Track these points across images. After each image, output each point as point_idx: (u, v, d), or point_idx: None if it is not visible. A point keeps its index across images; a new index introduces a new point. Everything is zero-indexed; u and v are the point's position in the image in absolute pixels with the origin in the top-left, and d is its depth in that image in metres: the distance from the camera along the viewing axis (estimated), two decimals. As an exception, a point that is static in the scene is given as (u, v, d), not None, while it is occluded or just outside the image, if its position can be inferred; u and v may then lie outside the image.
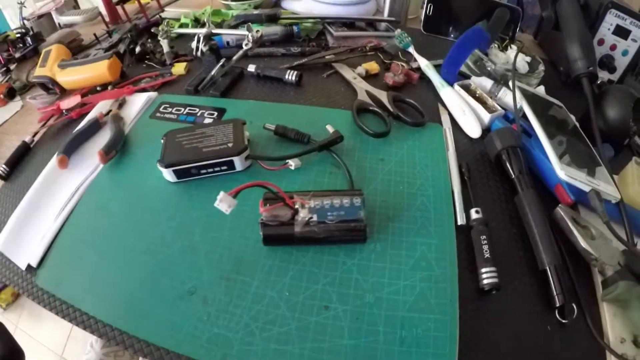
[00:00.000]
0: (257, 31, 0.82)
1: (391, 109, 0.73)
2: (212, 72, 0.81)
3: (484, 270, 0.52)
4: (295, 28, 0.98)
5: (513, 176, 0.62)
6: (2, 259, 0.60)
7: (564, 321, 0.49)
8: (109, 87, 0.87)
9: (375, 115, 0.74)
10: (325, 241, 0.53)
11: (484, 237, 0.54)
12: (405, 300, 0.49)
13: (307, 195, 0.53)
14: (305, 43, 0.98)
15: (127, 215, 0.60)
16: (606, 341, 0.49)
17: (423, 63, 0.86)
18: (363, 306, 0.49)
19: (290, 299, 0.50)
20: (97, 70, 0.85)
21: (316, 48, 0.95)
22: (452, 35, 1.03)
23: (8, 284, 0.58)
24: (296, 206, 0.52)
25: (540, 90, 0.79)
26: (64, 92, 0.89)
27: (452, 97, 0.76)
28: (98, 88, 0.88)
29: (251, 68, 0.86)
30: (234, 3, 1.13)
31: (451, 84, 0.79)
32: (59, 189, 0.65)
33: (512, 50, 0.86)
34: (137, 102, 0.80)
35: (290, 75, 0.83)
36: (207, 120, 0.74)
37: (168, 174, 0.62)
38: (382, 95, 0.76)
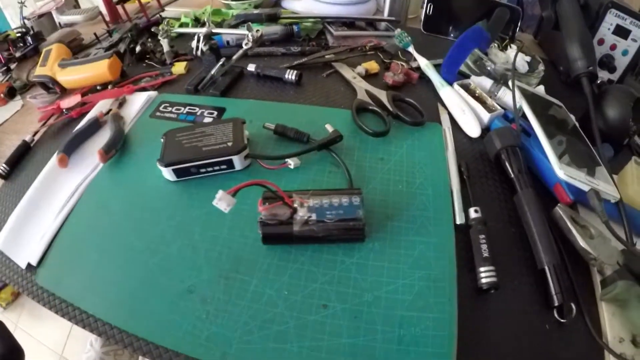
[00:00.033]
0: (257, 30, 0.82)
1: (391, 109, 0.73)
2: (212, 72, 0.81)
3: (482, 269, 0.52)
4: (295, 27, 0.98)
5: (512, 175, 0.62)
6: (2, 257, 0.60)
7: (562, 320, 0.49)
8: (109, 87, 0.87)
9: (374, 114, 0.74)
10: (324, 240, 0.53)
11: (483, 236, 0.54)
12: (404, 299, 0.49)
13: (306, 194, 0.53)
14: (305, 42, 0.99)
15: (126, 214, 0.60)
16: (605, 340, 0.49)
17: (423, 62, 0.86)
18: (361, 305, 0.49)
19: (289, 297, 0.50)
20: (98, 69, 0.85)
21: (316, 47, 0.95)
22: (452, 35, 1.03)
23: (8, 283, 0.58)
24: (295, 205, 0.52)
25: (540, 89, 0.79)
26: (65, 92, 0.89)
27: (451, 96, 0.76)
28: (98, 87, 0.88)
29: (251, 67, 0.86)
30: (234, 2, 1.13)
31: (451, 84, 0.79)
32: (59, 188, 0.65)
33: (512, 50, 0.86)
34: (137, 102, 0.80)
35: (290, 75, 0.83)
36: (207, 120, 0.74)
37: (168, 173, 0.62)
38: (382, 95, 0.76)
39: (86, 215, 0.61)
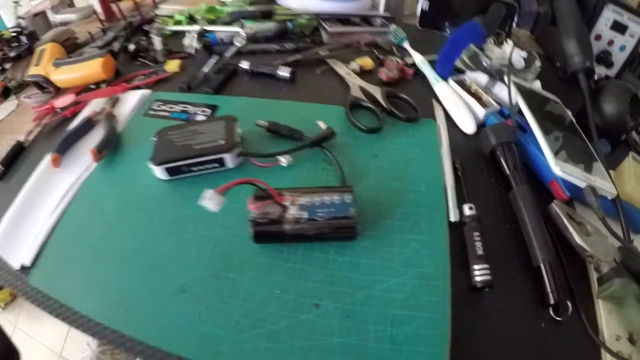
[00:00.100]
0: (250, 27, 0.82)
1: (384, 105, 0.72)
2: (206, 69, 0.80)
3: (476, 267, 0.51)
4: (289, 24, 0.98)
5: (507, 172, 0.61)
6: (-4, 258, 0.59)
7: (558, 318, 0.49)
8: (103, 85, 0.86)
9: (368, 111, 0.73)
10: (315, 238, 0.52)
11: (477, 233, 0.54)
12: (397, 298, 0.49)
13: (297, 192, 0.53)
14: (300, 39, 0.98)
15: (119, 214, 0.60)
16: (601, 339, 0.48)
17: (418, 58, 0.86)
18: (353, 304, 0.48)
19: (281, 296, 0.49)
20: (91, 68, 0.84)
21: (310, 44, 0.94)
22: (448, 31, 1.02)
23: (2, 284, 0.57)
24: (286, 203, 0.51)
25: (537, 85, 0.79)
26: (59, 91, 0.89)
27: (446, 92, 0.76)
28: (92, 86, 0.87)
29: (245, 65, 0.85)
30: (229, 0, 1.12)
31: (446, 79, 0.79)
32: (53, 188, 0.65)
33: (508, 46, 0.85)
34: (130, 100, 0.80)
35: (284, 72, 0.82)
36: (201, 118, 0.74)
37: (159, 172, 0.61)
38: (376, 91, 0.75)
39: (79, 216, 0.61)
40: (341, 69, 0.84)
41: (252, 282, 0.51)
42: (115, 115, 0.76)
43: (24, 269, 0.56)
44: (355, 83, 0.79)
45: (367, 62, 0.86)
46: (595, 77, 0.86)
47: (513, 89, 0.71)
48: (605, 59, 0.90)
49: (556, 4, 0.87)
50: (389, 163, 0.64)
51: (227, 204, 0.48)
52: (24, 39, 1.08)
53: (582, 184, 0.58)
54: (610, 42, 0.89)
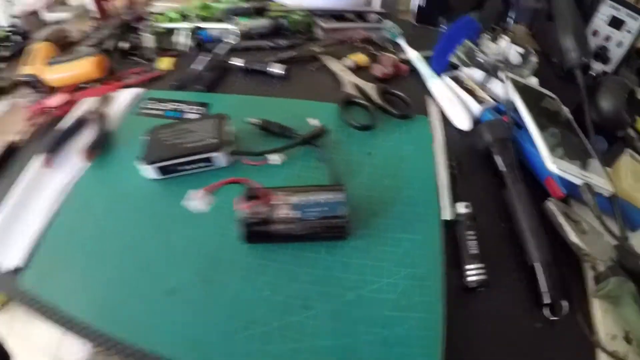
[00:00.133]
0: (244, 24, 0.81)
1: (378, 102, 0.72)
2: (198, 67, 0.80)
3: (470, 267, 0.51)
4: (283, 21, 0.96)
5: (503, 169, 0.61)
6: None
7: (553, 318, 0.48)
8: (96, 84, 0.86)
9: (361, 108, 0.72)
10: (306, 238, 0.52)
11: (471, 232, 0.53)
12: (388, 299, 0.48)
13: (287, 191, 0.52)
14: (294, 36, 0.97)
15: (110, 214, 0.59)
16: (597, 338, 0.48)
17: (412, 55, 0.85)
18: (344, 305, 0.48)
19: (271, 298, 0.49)
20: (84, 67, 0.83)
21: (304, 41, 0.93)
22: (443, 27, 1.01)
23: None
24: (276, 202, 0.50)
25: (533, 81, 0.78)
26: (52, 90, 0.88)
27: (441, 88, 0.75)
28: (85, 85, 0.86)
29: (238, 62, 0.84)
30: (223, -4, 1.11)
31: (441, 76, 0.78)
32: (44, 189, 0.64)
33: (504, 41, 0.84)
34: (123, 99, 0.79)
35: (278, 69, 0.81)
36: (193, 116, 0.73)
37: (150, 171, 0.61)
38: (370, 88, 0.75)
39: (71, 216, 0.60)
40: (335, 65, 0.83)
41: (242, 283, 0.50)
42: (107, 115, 0.75)
43: (15, 270, 0.55)
44: (349, 80, 0.78)
45: (361, 58, 0.85)
46: (592, 73, 0.85)
47: (509, 84, 0.70)
48: (602, 54, 0.89)
49: (553, -1, 0.87)
50: (382, 160, 0.63)
51: (217, 204, 0.48)
52: (18, 38, 1.07)
53: (578, 182, 0.57)
54: (608, 38, 0.88)
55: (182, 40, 0.84)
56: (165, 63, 0.88)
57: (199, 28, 0.92)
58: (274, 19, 0.96)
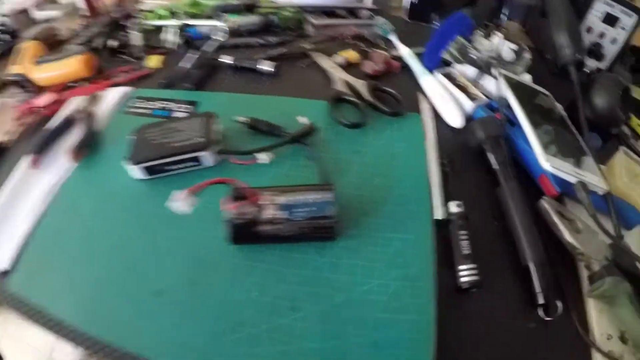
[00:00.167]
0: (232, 21, 0.80)
1: (369, 99, 0.71)
2: (187, 65, 0.78)
3: (462, 267, 0.50)
4: (274, 17, 0.95)
5: (495, 167, 0.60)
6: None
7: (548, 319, 0.48)
8: (85, 83, 0.84)
9: (352, 105, 0.71)
10: (294, 239, 0.51)
11: (464, 232, 0.52)
12: (379, 300, 0.47)
13: (275, 191, 0.51)
14: (284, 33, 0.96)
15: (98, 215, 0.58)
16: (592, 338, 0.48)
17: (404, 51, 0.84)
18: (334, 307, 0.47)
19: (259, 299, 0.48)
20: (72, 65, 0.82)
21: (295, 37, 0.92)
22: (435, 23, 1.00)
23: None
24: (263, 203, 0.49)
25: (526, 78, 0.78)
26: (40, 90, 0.87)
27: (433, 85, 0.74)
28: (74, 84, 0.85)
29: (227, 59, 0.83)
30: (213, -7, 1.10)
31: (433, 72, 0.77)
32: (32, 189, 0.63)
33: (497, 38, 0.84)
34: (111, 98, 0.77)
35: (267, 66, 0.80)
36: (181, 114, 0.71)
37: (137, 171, 0.59)
38: (360, 85, 0.74)
39: (58, 217, 0.59)
40: (325, 62, 0.82)
41: (229, 285, 0.49)
42: (95, 114, 0.74)
43: (3, 273, 0.54)
44: (340, 77, 0.77)
45: (352, 55, 0.84)
46: (586, 70, 0.85)
47: (502, 81, 0.69)
48: (596, 51, 0.89)
49: (547, -5, 0.86)
50: (373, 159, 0.62)
51: (204, 204, 0.47)
52: (6, 37, 1.06)
53: (572, 179, 0.56)
54: (602, 35, 0.88)
55: (171, 37, 0.83)
56: (153, 61, 0.87)
57: (188, 25, 0.90)
58: (264, 16, 0.95)
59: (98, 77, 0.85)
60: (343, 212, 0.52)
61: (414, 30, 0.98)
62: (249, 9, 0.95)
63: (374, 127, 0.67)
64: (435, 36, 0.79)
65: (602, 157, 0.67)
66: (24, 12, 1.21)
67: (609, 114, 0.69)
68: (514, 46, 0.83)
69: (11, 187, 0.63)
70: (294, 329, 0.45)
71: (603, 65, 0.90)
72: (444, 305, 0.47)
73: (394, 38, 0.89)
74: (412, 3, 1.02)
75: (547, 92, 0.75)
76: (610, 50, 0.89)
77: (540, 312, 0.48)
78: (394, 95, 0.73)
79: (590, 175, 0.58)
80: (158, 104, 0.74)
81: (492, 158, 0.61)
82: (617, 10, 0.85)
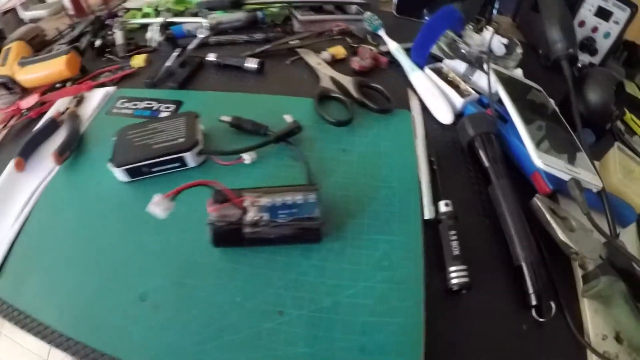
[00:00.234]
0: (214, 18, 0.78)
1: (355, 95, 0.69)
2: (169, 63, 0.77)
3: (452, 269, 0.48)
4: (260, 14, 0.94)
5: (487, 165, 0.59)
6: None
7: (541, 320, 0.47)
8: (70, 84, 0.83)
9: (338, 102, 0.70)
10: (277, 242, 0.49)
11: (454, 232, 0.51)
12: (365, 304, 0.46)
13: (258, 192, 0.49)
14: (270, 29, 0.94)
15: (80, 218, 0.57)
16: (587, 339, 0.47)
17: (393, 46, 0.82)
18: (319, 311, 0.45)
19: (243, 304, 0.46)
20: (56, 66, 0.80)
21: (281, 34, 0.91)
22: (426, 18, 0.99)
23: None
24: (246, 205, 0.48)
25: (518, 73, 0.77)
26: (26, 91, 0.85)
27: (422, 81, 0.73)
28: (58, 85, 0.83)
29: (211, 57, 0.81)
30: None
31: (422, 68, 0.76)
32: (17, 193, 0.61)
33: (488, 32, 0.82)
34: (95, 98, 0.76)
35: (252, 63, 0.78)
36: (165, 114, 0.70)
37: (119, 174, 0.58)
38: (347, 81, 0.72)
39: (42, 221, 0.57)
40: (312, 58, 0.80)
41: (213, 289, 0.48)
42: (79, 115, 0.73)
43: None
44: (326, 73, 0.75)
45: (339, 50, 0.83)
46: (579, 65, 0.84)
47: (493, 76, 0.68)
48: (589, 46, 0.88)
49: (538, -11, 0.85)
50: (359, 158, 0.61)
51: (187, 206, 0.46)
52: (-7, 38, 1.04)
53: (565, 177, 0.55)
54: (595, 29, 0.88)
55: (155, 36, 0.81)
56: (138, 60, 0.85)
57: (172, 23, 0.89)
58: (250, 12, 0.94)
59: (83, 77, 0.83)
60: (329, 213, 0.51)
61: (402, 25, 0.97)
62: (236, 5, 0.94)
63: (362, 124, 0.66)
64: (424, 30, 0.78)
65: (596, 153, 0.66)
66: (11, 12, 1.19)
67: (602, 110, 0.68)
68: (505, 40, 0.82)
69: (-3, 191, 0.62)
70: (279, 334, 0.44)
71: (596, 59, 0.90)
72: (435, 308, 0.46)
73: (382, 33, 0.87)
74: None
75: (539, 88, 0.74)
76: (604, 45, 0.88)
77: (534, 313, 0.47)
78: (382, 91, 0.71)
79: (584, 172, 0.57)
80: (142, 104, 0.73)
81: (483, 155, 0.59)
82: (610, 4, 0.84)
